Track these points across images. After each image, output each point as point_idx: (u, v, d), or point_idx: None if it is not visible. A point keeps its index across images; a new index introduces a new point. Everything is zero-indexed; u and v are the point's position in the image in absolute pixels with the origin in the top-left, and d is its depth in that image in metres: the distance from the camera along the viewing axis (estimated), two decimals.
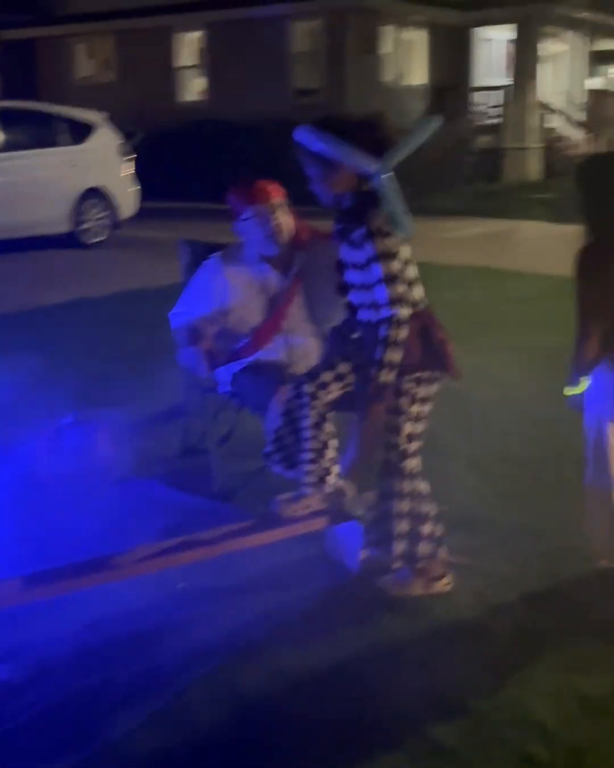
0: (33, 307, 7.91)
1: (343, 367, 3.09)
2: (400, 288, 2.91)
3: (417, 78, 20.21)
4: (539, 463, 4.32)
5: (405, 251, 2.97)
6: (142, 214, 12.60)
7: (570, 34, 22.08)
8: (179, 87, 20.09)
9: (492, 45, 21.70)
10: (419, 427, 3.09)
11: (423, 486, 3.12)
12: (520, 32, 20.30)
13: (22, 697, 2.61)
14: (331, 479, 3.14)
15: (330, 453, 3.12)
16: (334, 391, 3.10)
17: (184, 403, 4.29)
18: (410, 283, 2.99)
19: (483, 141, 19.85)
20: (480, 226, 13.68)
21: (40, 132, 11.40)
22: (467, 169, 18.67)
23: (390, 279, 2.90)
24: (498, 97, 20.66)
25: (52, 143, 11.44)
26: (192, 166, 17.45)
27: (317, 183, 3.04)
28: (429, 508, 3.12)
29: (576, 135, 21.59)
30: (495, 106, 20.62)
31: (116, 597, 2.98)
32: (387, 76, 19.31)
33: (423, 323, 3.02)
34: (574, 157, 20.32)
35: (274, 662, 2.77)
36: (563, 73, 22.60)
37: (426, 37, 20.12)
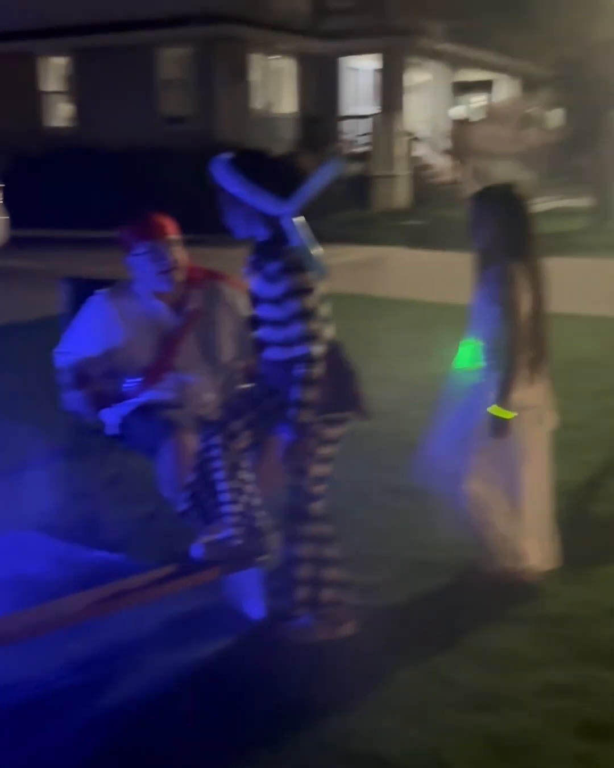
0: None
1: (252, 414, 3.01)
2: (315, 325, 2.85)
3: (287, 106, 20.43)
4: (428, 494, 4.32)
5: (319, 288, 2.91)
6: (9, 243, 12.21)
7: (433, 65, 22.74)
8: (46, 113, 19.71)
9: (360, 75, 22.15)
10: (325, 470, 3.03)
11: (327, 529, 3.07)
12: (385, 62, 20.81)
13: None
14: (249, 523, 3.03)
15: (247, 498, 3.02)
16: (245, 439, 3.00)
17: (67, 447, 4.12)
18: (324, 321, 2.93)
19: (353, 169, 20.16)
20: (353, 253, 13.82)
21: None
22: (338, 196, 18.91)
23: (306, 315, 2.82)
24: (366, 125, 21.06)
25: None
26: (60, 193, 17.11)
27: (231, 216, 2.97)
28: (333, 551, 3.07)
29: (441, 163, 22.21)
30: (363, 135, 21.01)
31: None
32: (257, 104, 19.43)
33: (335, 362, 2.97)
34: (440, 184, 20.91)
35: (177, 728, 2.64)
36: (428, 103, 23.25)
37: (294, 66, 20.37)
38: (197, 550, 3.09)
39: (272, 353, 2.96)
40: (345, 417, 3.02)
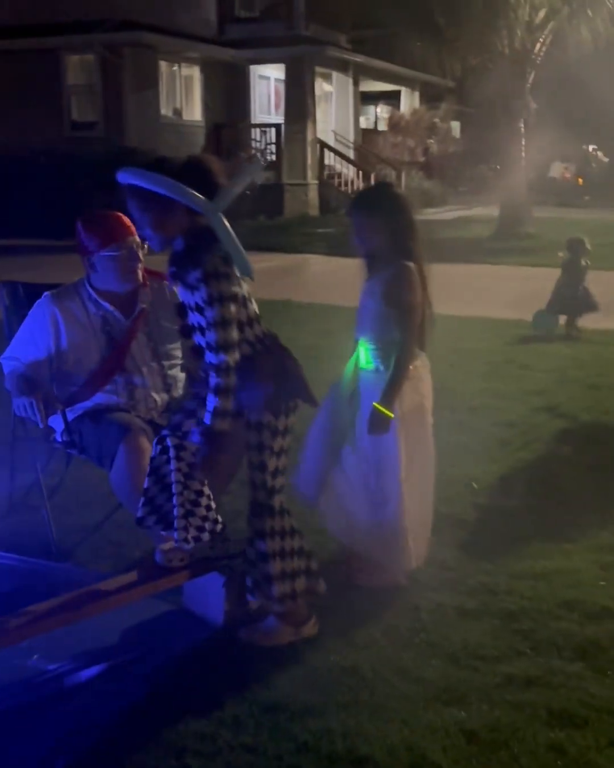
0: None
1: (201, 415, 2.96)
2: (231, 333, 2.80)
3: (196, 113, 20.35)
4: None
5: (243, 289, 2.89)
6: None
7: (339, 75, 22.97)
8: None
9: (270, 83, 22.23)
10: (283, 462, 3.01)
11: (291, 521, 3.05)
12: (291, 71, 20.91)
13: None
14: (209, 527, 2.99)
15: (205, 501, 2.98)
16: None
17: (9, 455, 3.98)
18: (250, 322, 2.91)
19: (263, 177, 20.19)
20: (270, 260, 13.82)
21: None
22: (249, 204, 18.92)
23: (220, 323, 2.78)
24: (275, 134, 21.14)
25: None
26: None
27: (147, 227, 2.92)
28: (300, 542, 3.05)
29: (349, 171, 22.43)
30: (272, 143, 21.08)
31: None
32: (166, 110, 19.31)
33: (274, 355, 2.96)
34: (348, 192, 21.11)
35: (149, 736, 2.58)
36: (335, 112, 23.46)
37: (203, 74, 20.32)
38: (158, 556, 3.04)
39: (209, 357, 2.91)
40: (293, 406, 3.00)
